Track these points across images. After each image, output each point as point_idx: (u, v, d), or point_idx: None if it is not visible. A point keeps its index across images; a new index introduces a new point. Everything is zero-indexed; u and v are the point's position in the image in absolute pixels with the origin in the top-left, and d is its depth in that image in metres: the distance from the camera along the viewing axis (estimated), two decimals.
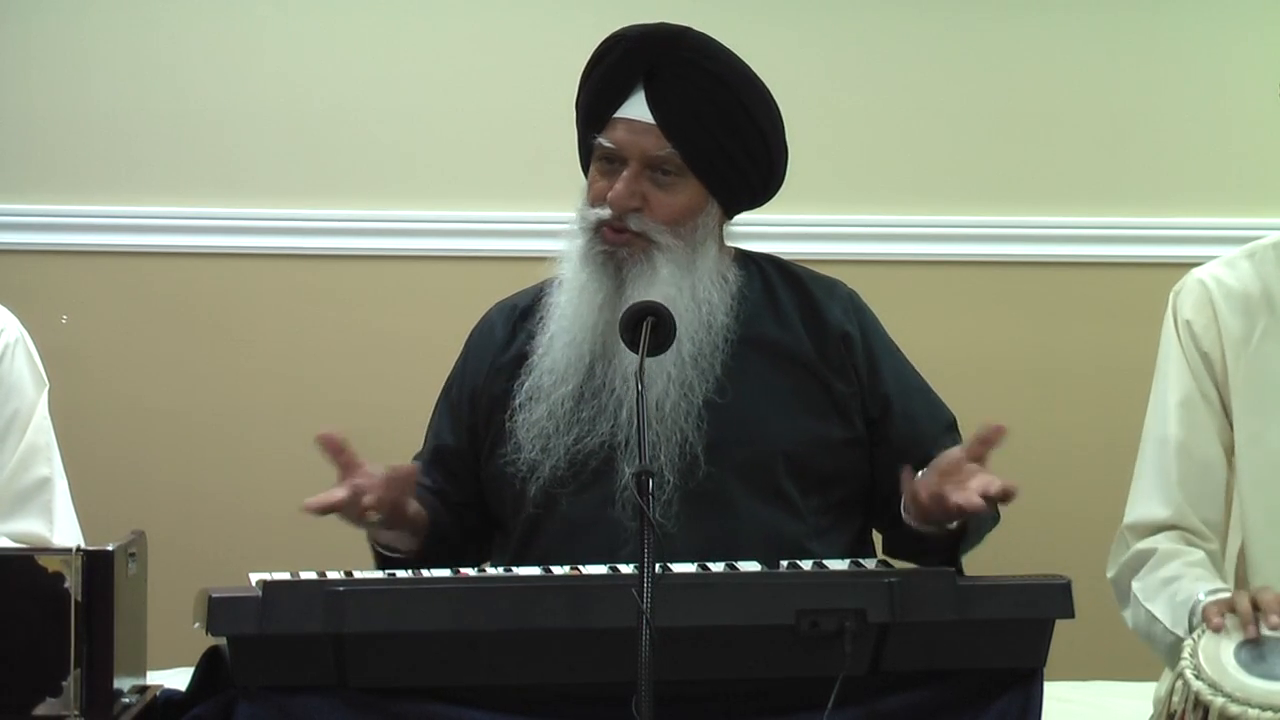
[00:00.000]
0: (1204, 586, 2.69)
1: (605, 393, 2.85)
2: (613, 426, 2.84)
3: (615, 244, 2.88)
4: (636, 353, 2.61)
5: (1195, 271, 2.92)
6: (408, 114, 4.28)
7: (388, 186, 4.29)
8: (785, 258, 3.11)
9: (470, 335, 3.08)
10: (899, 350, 3.04)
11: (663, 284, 2.85)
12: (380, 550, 2.92)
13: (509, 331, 3.02)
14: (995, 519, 2.93)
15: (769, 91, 2.95)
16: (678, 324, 2.74)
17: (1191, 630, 2.63)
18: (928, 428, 2.96)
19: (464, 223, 4.22)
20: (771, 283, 3.00)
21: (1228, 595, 2.62)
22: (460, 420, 3.01)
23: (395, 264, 4.24)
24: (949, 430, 2.99)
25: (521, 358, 2.94)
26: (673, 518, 2.78)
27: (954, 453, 2.66)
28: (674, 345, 2.76)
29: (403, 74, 4.28)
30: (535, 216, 4.17)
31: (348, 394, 4.12)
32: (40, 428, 3.03)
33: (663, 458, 2.80)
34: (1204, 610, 2.55)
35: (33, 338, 3.12)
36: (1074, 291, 4.31)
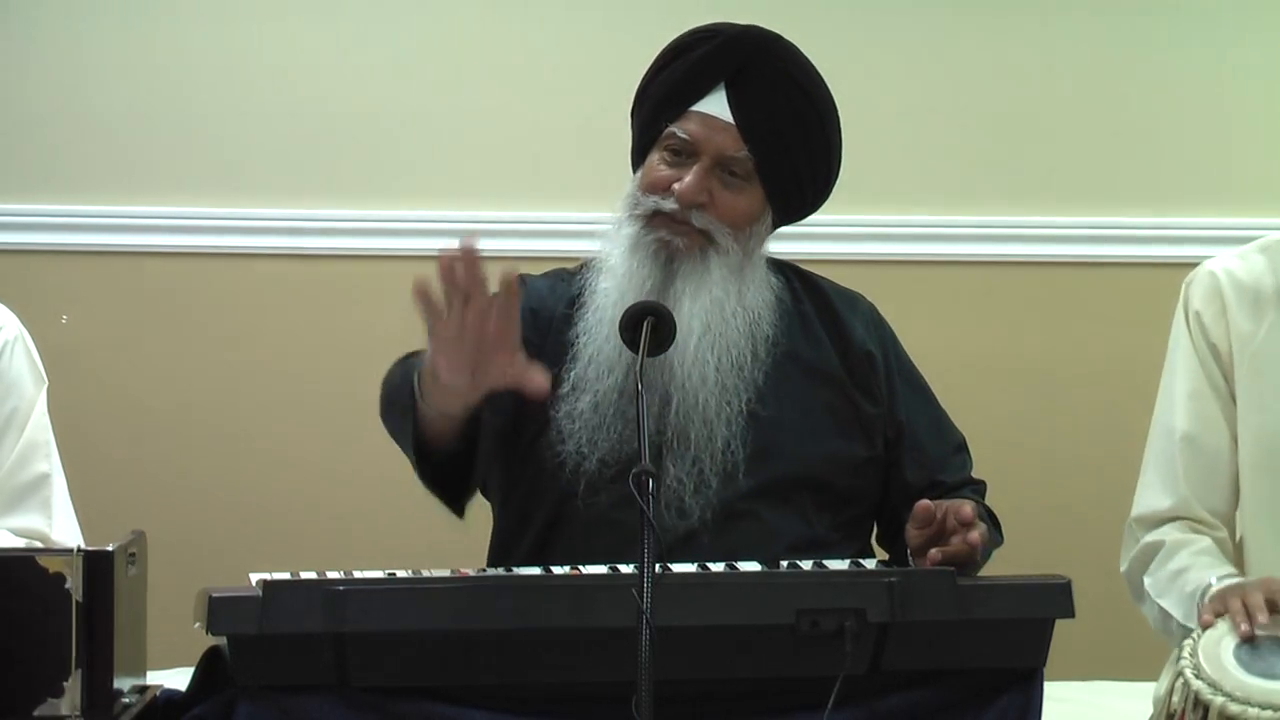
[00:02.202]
0: (1214, 573, 2.70)
1: (649, 390, 2.75)
2: (659, 425, 2.81)
3: (674, 233, 2.86)
4: (636, 353, 2.61)
5: (1208, 263, 2.92)
6: (408, 114, 4.28)
7: (388, 186, 4.29)
8: (802, 264, 3.12)
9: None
10: (914, 368, 3.05)
11: (713, 285, 2.84)
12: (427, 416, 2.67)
13: (559, 313, 2.93)
14: (998, 542, 2.94)
15: (838, 113, 2.95)
16: (724, 327, 2.78)
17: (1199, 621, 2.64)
18: (935, 453, 2.98)
19: (464, 223, 4.21)
20: (799, 298, 3.00)
21: (1234, 581, 2.63)
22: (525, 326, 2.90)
23: (395, 264, 4.23)
24: (956, 453, 3.01)
25: (568, 345, 2.90)
26: (710, 522, 2.79)
27: (924, 505, 2.65)
28: (724, 348, 2.80)
29: (403, 74, 4.28)
30: (535, 216, 4.17)
31: (348, 394, 4.11)
32: (39, 424, 3.04)
33: (705, 461, 2.80)
34: (1199, 609, 2.55)
35: (33, 338, 3.12)
36: (1074, 291, 4.31)
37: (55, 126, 4.26)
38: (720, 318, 2.84)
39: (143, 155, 4.26)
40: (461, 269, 2.45)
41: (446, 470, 2.75)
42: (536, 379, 2.54)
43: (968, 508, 2.62)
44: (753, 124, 2.87)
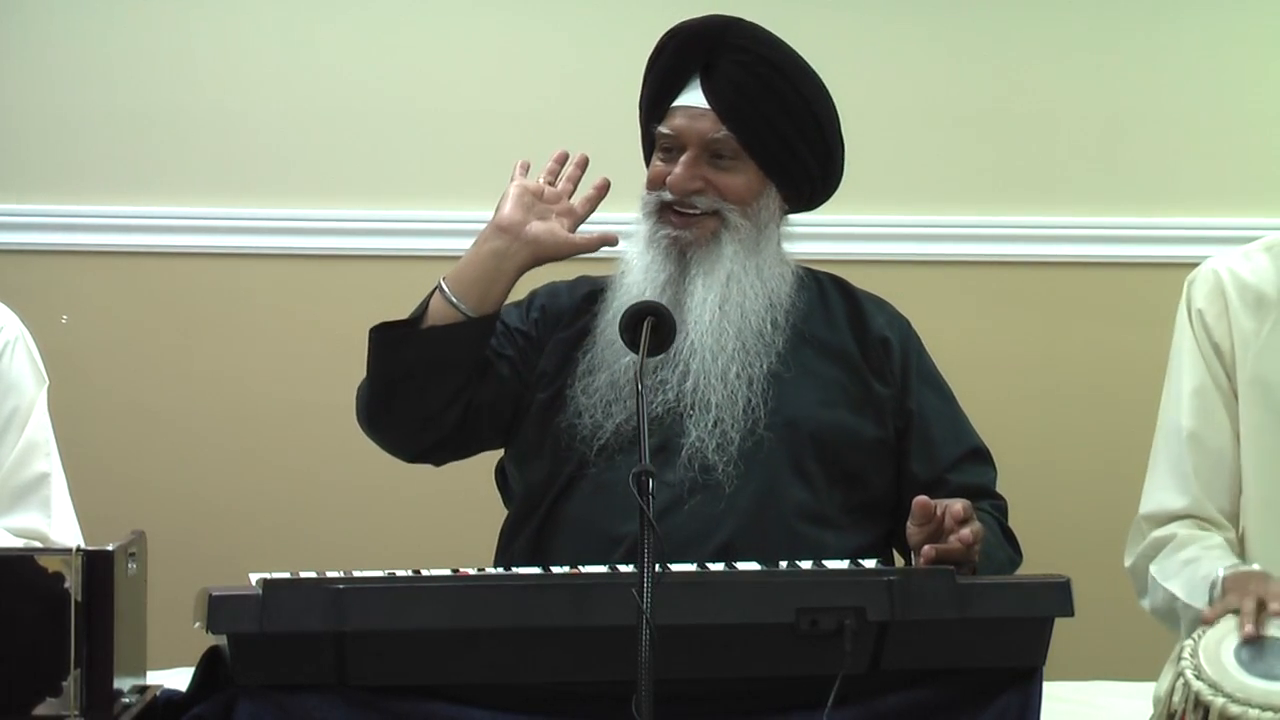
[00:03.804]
0: (1224, 563, 2.70)
1: (667, 366, 2.92)
2: (678, 394, 2.92)
3: (681, 227, 2.98)
4: (636, 353, 2.63)
5: (1210, 261, 2.93)
6: (408, 114, 4.28)
7: (387, 186, 4.29)
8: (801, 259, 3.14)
9: (536, 293, 3.13)
10: (936, 371, 3.09)
11: (728, 261, 2.96)
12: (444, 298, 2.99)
13: (575, 307, 3.08)
14: (1014, 562, 2.94)
15: (822, 81, 3.02)
16: (742, 298, 2.91)
17: (1211, 604, 2.64)
18: (946, 450, 3.00)
19: (464, 223, 4.20)
20: (826, 291, 3.09)
21: (1245, 570, 2.64)
22: (527, 320, 3.07)
23: (395, 264, 4.24)
24: (972, 458, 3.02)
25: (583, 334, 3.02)
26: (731, 477, 2.87)
27: (922, 501, 2.66)
28: (739, 317, 2.92)
29: (403, 74, 4.28)
30: None
31: (347, 394, 4.11)
32: (39, 424, 3.04)
33: (727, 420, 2.89)
34: (1204, 613, 2.55)
35: (33, 337, 3.13)
36: (1074, 291, 4.31)
37: (55, 127, 4.26)
38: (738, 289, 2.95)
39: (142, 155, 4.27)
40: (573, 161, 3.03)
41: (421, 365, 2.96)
42: (588, 237, 3.00)
43: (958, 505, 2.64)
44: (726, 103, 2.96)
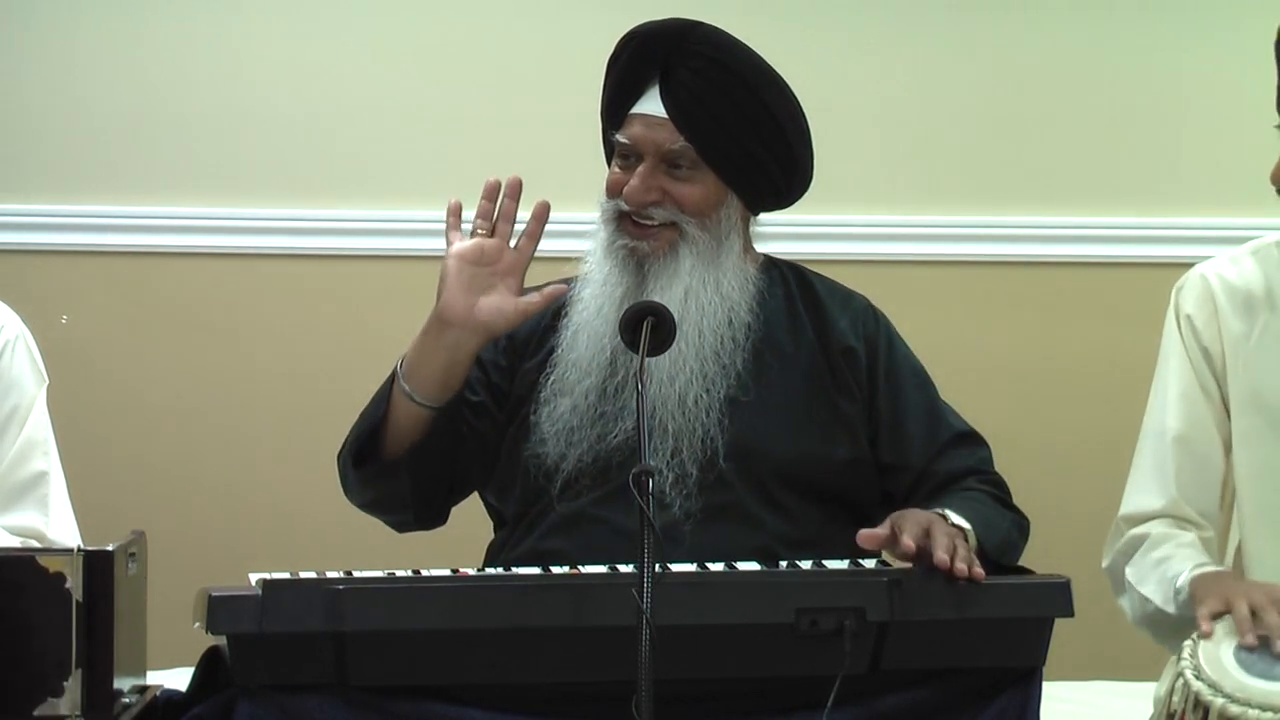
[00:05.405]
0: (1190, 563, 2.70)
1: (629, 389, 2.83)
2: (635, 422, 2.80)
3: (638, 238, 2.90)
4: (636, 353, 2.62)
5: (1198, 267, 2.94)
6: (408, 114, 4.28)
7: (388, 186, 4.29)
8: (803, 264, 3.11)
9: None
10: (910, 361, 3.02)
11: (685, 275, 2.87)
12: (405, 395, 2.87)
13: (542, 327, 2.99)
14: (1021, 526, 2.87)
15: (787, 85, 2.94)
16: (700, 316, 2.82)
17: (1177, 606, 2.65)
18: (922, 447, 2.93)
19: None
20: (791, 293, 3.01)
21: (1214, 572, 2.64)
22: (498, 350, 2.99)
23: (395, 264, 4.24)
24: (957, 443, 2.95)
25: (549, 356, 2.95)
26: (693, 512, 2.81)
27: (863, 534, 2.59)
28: (696, 338, 2.82)
29: (403, 74, 4.28)
30: None
31: (348, 394, 4.10)
32: (38, 423, 3.05)
33: (685, 452, 2.83)
34: (1197, 617, 2.56)
35: (33, 337, 3.13)
36: (1074, 291, 4.31)
37: (55, 126, 4.26)
38: (696, 306, 2.87)
39: (143, 155, 4.27)
40: (504, 192, 2.87)
41: (394, 470, 2.88)
42: (535, 300, 2.85)
43: (907, 538, 2.54)
44: (684, 113, 2.89)
